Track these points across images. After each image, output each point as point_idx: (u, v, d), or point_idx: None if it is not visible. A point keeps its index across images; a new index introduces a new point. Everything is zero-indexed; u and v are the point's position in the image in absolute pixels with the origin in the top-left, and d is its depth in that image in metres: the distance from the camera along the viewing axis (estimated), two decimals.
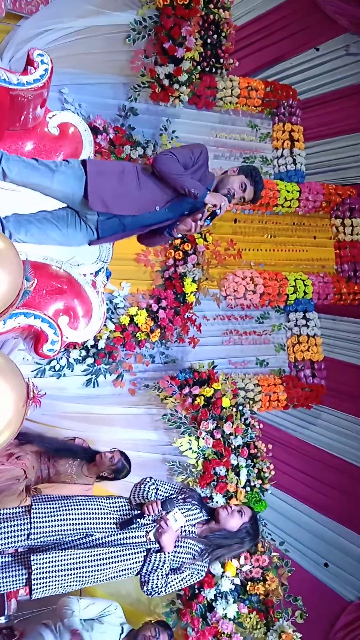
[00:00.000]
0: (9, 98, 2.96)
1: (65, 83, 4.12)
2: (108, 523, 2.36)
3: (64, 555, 2.24)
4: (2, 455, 3.14)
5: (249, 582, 3.67)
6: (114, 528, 2.36)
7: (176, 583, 2.37)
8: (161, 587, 2.32)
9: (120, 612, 3.18)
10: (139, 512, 2.38)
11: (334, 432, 5.14)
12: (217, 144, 5.02)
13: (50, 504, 2.37)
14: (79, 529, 2.31)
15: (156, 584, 2.31)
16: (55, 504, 2.38)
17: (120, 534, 2.34)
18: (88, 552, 2.27)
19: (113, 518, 2.38)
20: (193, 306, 4.49)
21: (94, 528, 2.33)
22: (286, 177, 5.27)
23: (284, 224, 5.34)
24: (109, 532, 2.35)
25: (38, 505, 2.36)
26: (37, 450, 3.32)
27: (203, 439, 3.89)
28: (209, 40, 4.66)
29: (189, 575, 2.39)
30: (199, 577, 2.44)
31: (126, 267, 4.33)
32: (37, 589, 2.21)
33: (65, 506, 2.37)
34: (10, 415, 1.60)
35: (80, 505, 2.38)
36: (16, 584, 2.30)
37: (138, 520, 2.35)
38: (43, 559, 2.22)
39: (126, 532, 2.34)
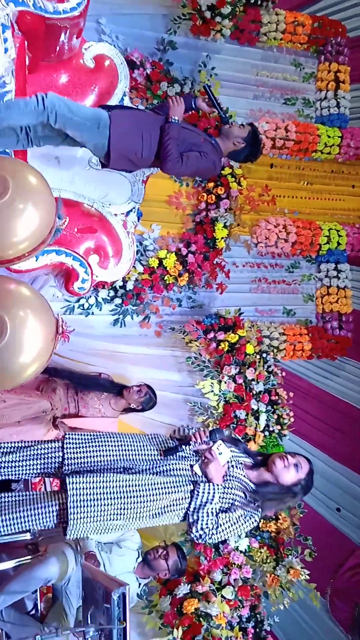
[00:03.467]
0: (44, 27, 2.90)
1: (103, 13, 3.97)
2: (149, 454, 2.21)
3: (104, 479, 2.06)
4: (31, 388, 3.28)
5: (262, 520, 3.83)
6: (156, 457, 2.19)
7: (228, 525, 2.14)
8: (212, 528, 2.11)
9: (137, 537, 3.37)
10: (184, 442, 2.24)
11: (357, 384, 5.16)
12: (258, 82, 4.82)
13: (84, 435, 2.29)
14: (118, 456, 2.17)
15: (206, 522, 2.09)
16: (90, 435, 2.29)
17: (163, 464, 2.16)
18: (130, 479, 2.09)
19: (155, 449, 2.24)
20: (223, 252, 4.46)
21: (133, 458, 2.18)
22: (328, 121, 5.04)
23: (322, 171, 5.17)
24: (151, 463, 2.18)
25: (72, 435, 2.27)
26: (65, 384, 3.46)
27: (225, 382, 3.97)
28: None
29: (242, 516, 2.15)
30: (252, 523, 2.20)
31: (157, 209, 4.31)
32: (73, 518, 2.03)
33: (100, 437, 2.26)
34: (40, 348, 1.67)
35: (118, 437, 2.28)
36: (48, 519, 2.15)
37: (183, 447, 2.19)
38: (80, 482, 2.04)
39: (170, 463, 2.17)
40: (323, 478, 4.81)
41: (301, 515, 4.10)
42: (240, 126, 3.00)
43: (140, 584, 3.24)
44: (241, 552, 3.70)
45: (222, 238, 4.38)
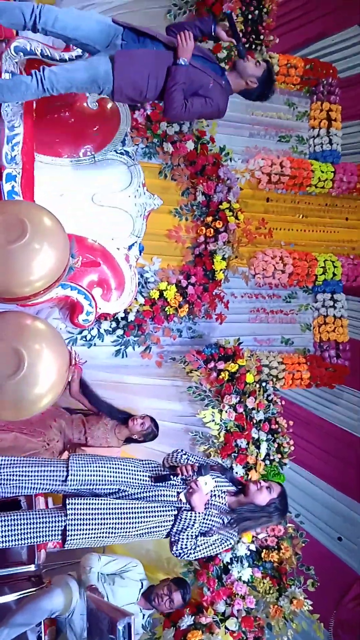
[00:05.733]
0: None
1: None
2: (142, 479, 2.48)
3: (99, 503, 2.34)
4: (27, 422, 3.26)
5: (264, 550, 3.84)
6: (147, 483, 2.46)
7: (205, 547, 2.45)
8: (190, 549, 2.40)
9: (140, 568, 3.37)
10: (172, 472, 2.48)
11: (355, 412, 5.22)
12: (253, 122, 5.01)
13: (87, 457, 2.53)
14: (114, 481, 2.42)
15: (185, 544, 2.39)
16: (92, 458, 2.53)
17: (152, 490, 2.44)
18: (121, 503, 2.37)
19: (147, 475, 2.50)
20: (222, 283, 4.56)
21: (127, 483, 2.44)
22: (321, 157, 5.23)
23: (316, 204, 5.34)
24: (142, 487, 2.45)
25: (75, 457, 2.51)
26: (68, 416, 3.51)
27: (226, 412, 4.02)
28: (250, 16, 4.63)
29: (218, 540, 2.46)
30: (227, 545, 2.52)
31: (158, 242, 4.43)
32: (71, 536, 2.31)
33: (101, 460, 2.51)
34: (55, 379, 1.75)
35: (115, 462, 2.51)
36: (53, 533, 2.37)
37: (172, 477, 2.44)
38: (78, 503, 2.33)
39: (159, 490, 2.44)
40: (324, 507, 4.83)
41: (303, 545, 4.09)
42: (256, 63, 2.87)
43: (144, 615, 3.23)
44: (244, 582, 3.70)
45: (221, 270, 4.49)
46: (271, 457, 4.18)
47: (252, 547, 3.79)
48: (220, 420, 4.02)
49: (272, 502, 2.55)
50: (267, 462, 4.15)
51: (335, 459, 5.02)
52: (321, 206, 5.37)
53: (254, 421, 4.11)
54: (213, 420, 4.01)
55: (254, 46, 4.76)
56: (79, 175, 3.48)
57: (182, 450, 2.64)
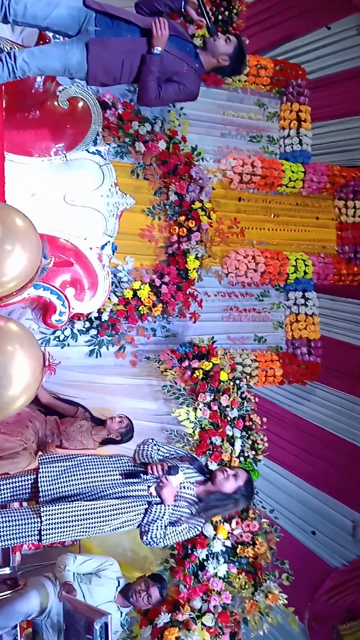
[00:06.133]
0: None
1: None
2: (113, 476, 2.53)
3: (72, 507, 2.41)
4: (4, 423, 3.26)
5: (239, 546, 3.88)
6: (118, 479, 2.51)
7: (174, 535, 2.53)
8: (160, 538, 2.49)
9: (116, 566, 3.37)
10: (143, 469, 2.53)
11: (327, 408, 5.32)
12: (225, 122, 5.06)
13: (56, 465, 2.53)
14: (84, 486, 2.48)
15: (155, 534, 2.48)
16: (61, 464, 2.53)
17: (123, 486, 2.49)
18: (93, 504, 2.43)
19: (117, 471, 2.55)
20: (195, 282, 4.60)
21: (98, 485, 2.49)
22: (292, 157, 5.31)
23: (288, 204, 5.41)
24: (113, 484, 2.50)
25: (45, 467, 2.52)
26: (42, 418, 3.49)
27: (200, 410, 4.06)
28: (220, 17, 4.67)
29: (185, 529, 2.55)
30: (195, 532, 2.61)
31: (131, 242, 4.44)
32: (46, 537, 2.39)
33: (71, 467, 2.52)
34: (28, 381, 1.74)
35: (85, 464, 2.54)
36: (30, 534, 2.43)
37: (142, 475, 2.51)
38: (52, 510, 2.39)
39: (130, 485, 2.50)
40: (298, 502, 4.91)
41: (278, 540, 4.15)
42: (226, 40, 2.82)
43: (122, 612, 3.23)
44: (220, 578, 3.73)
45: (194, 269, 4.52)
46: (245, 454, 4.24)
47: (228, 543, 3.83)
48: (195, 418, 4.06)
49: (239, 489, 2.62)
50: (242, 458, 4.20)
51: (309, 455, 5.10)
52: (292, 206, 5.44)
53: (228, 418, 4.15)
54: (188, 419, 4.04)
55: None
56: (50, 175, 3.44)
57: (152, 441, 2.68)
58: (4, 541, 2.42)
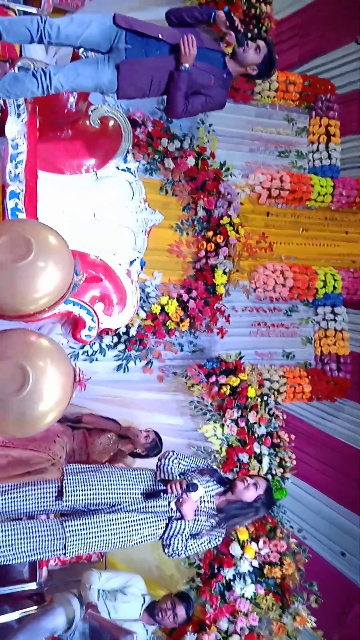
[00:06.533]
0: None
1: None
2: (134, 493, 2.56)
3: (94, 522, 2.47)
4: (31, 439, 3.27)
5: (267, 566, 3.81)
6: (139, 498, 2.55)
7: (195, 547, 2.59)
8: (181, 550, 2.55)
9: (142, 584, 3.35)
10: (163, 487, 2.56)
11: (357, 425, 5.20)
12: (254, 137, 5.07)
13: (81, 475, 2.57)
14: (107, 498, 2.52)
15: (177, 547, 2.53)
16: (86, 475, 2.58)
17: (145, 502, 2.53)
18: (115, 518, 2.49)
19: (139, 488, 2.58)
20: (223, 297, 4.58)
21: (120, 498, 2.53)
22: (320, 171, 5.28)
23: (316, 218, 5.37)
24: (134, 501, 2.55)
25: (69, 476, 2.56)
26: (70, 432, 3.50)
27: (228, 426, 4.02)
28: (249, 35, 4.69)
29: (206, 540, 2.60)
30: (216, 542, 2.66)
31: (159, 257, 4.46)
32: (70, 551, 2.46)
33: (94, 477, 2.57)
34: (59, 396, 1.76)
35: (108, 477, 2.58)
36: (55, 548, 2.47)
37: (162, 495, 2.54)
38: (75, 525, 2.45)
39: (150, 502, 2.53)
40: (327, 521, 4.79)
41: (306, 560, 4.06)
42: (256, 49, 2.85)
43: (147, 630, 3.20)
44: (247, 599, 3.67)
45: (222, 284, 4.51)
46: (273, 472, 4.18)
47: (255, 563, 3.76)
48: (222, 435, 4.02)
49: (259, 497, 2.65)
50: (269, 476, 4.14)
51: (338, 473, 4.99)
52: (321, 220, 5.40)
53: (256, 435, 4.10)
54: (215, 435, 4.01)
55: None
56: (81, 192, 3.51)
57: (172, 454, 2.69)
58: (32, 554, 2.45)
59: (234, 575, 3.69)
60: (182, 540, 2.53)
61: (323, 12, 5.25)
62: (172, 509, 2.53)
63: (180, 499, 2.50)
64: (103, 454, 3.42)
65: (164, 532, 2.55)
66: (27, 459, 3.06)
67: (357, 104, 5.56)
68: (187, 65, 2.74)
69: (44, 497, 2.55)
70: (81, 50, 3.00)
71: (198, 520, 2.57)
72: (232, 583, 3.68)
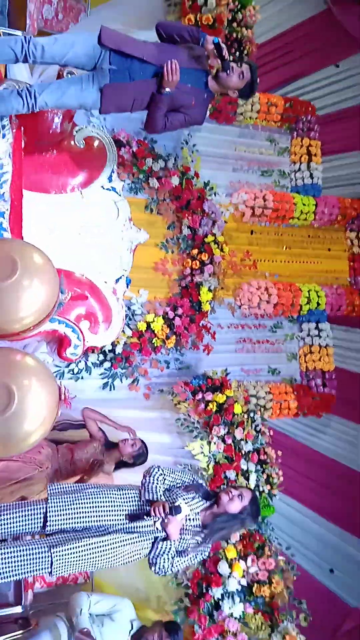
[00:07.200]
0: (39, 113, 3.14)
1: None
2: (119, 514, 2.56)
3: (80, 546, 2.46)
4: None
5: (255, 584, 3.78)
6: (124, 519, 2.55)
7: (181, 564, 2.61)
8: (168, 568, 2.57)
9: (131, 609, 3.29)
10: (148, 509, 2.55)
11: (343, 441, 5.23)
12: (237, 157, 5.15)
13: (65, 497, 2.56)
14: (93, 521, 2.52)
15: (163, 565, 2.55)
16: (70, 497, 2.56)
17: (130, 523, 2.54)
18: (101, 540, 2.48)
19: (124, 509, 2.58)
20: (208, 314, 4.62)
21: (106, 521, 2.53)
22: (303, 190, 5.38)
23: (300, 236, 5.46)
24: (120, 522, 2.55)
25: (54, 498, 2.55)
26: (54, 447, 3.48)
27: (214, 443, 4.01)
28: (231, 58, 4.80)
29: (192, 556, 2.61)
30: (202, 557, 2.68)
31: (145, 275, 4.48)
32: (57, 570, 2.46)
33: (79, 499, 2.56)
34: (45, 415, 1.75)
35: (93, 497, 2.57)
36: (42, 566, 2.46)
37: (145, 518, 2.53)
38: (61, 551, 2.43)
39: (136, 522, 2.54)
40: (315, 538, 4.79)
41: (294, 578, 4.04)
42: (239, 76, 2.91)
43: None
44: (236, 618, 3.63)
45: (207, 301, 4.55)
46: (260, 489, 4.17)
47: (243, 581, 3.73)
48: (209, 452, 4.01)
49: (244, 509, 2.66)
50: (257, 493, 4.13)
51: (325, 489, 5.00)
52: (304, 238, 5.49)
53: (243, 452, 4.10)
54: (202, 452, 4.00)
55: None
56: (66, 211, 3.53)
57: (157, 470, 2.67)
58: (17, 574, 2.44)
59: (222, 595, 3.65)
60: (168, 559, 2.54)
61: (303, 36, 5.40)
62: (157, 528, 2.52)
63: (165, 520, 2.49)
64: (88, 463, 3.41)
65: (150, 551, 2.56)
66: (13, 470, 3.03)
67: (337, 124, 5.70)
68: (168, 90, 2.81)
69: (30, 521, 2.54)
70: (66, 70, 3.06)
71: (183, 539, 2.58)
72: (220, 602, 3.65)
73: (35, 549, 2.45)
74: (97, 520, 2.53)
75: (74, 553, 2.45)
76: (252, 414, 4.35)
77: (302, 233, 5.46)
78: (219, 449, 4.01)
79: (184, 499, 2.58)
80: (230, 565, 3.70)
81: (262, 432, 4.37)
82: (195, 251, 4.60)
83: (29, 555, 2.44)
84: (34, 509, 2.56)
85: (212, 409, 4.11)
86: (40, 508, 2.55)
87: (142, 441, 3.61)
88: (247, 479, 4.05)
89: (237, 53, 4.87)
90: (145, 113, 2.99)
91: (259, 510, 2.82)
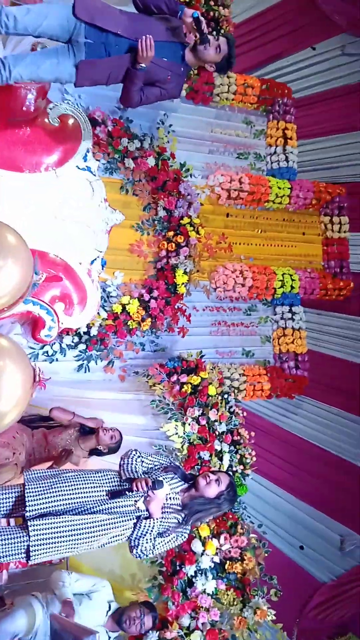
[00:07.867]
0: (11, 89, 3.06)
1: None
2: (99, 494, 2.53)
3: (60, 521, 2.41)
4: None
5: (228, 561, 3.87)
6: (104, 498, 2.52)
7: (162, 545, 2.58)
8: (149, 550, 2.52)
9: (109, 589, 3.32)
10: (128, 486, 2.53)
11: (314, 422, 5.35)
12: (213, 139, 5.13)
13: (42, 482, 2.52)
14: (72, 503, 2.47)
15: (145, 547, 2.50)
16: (48, 482, 2.52)
17: (110, 502, 2.50)
18: (82, 519, 2.44)
19: (104, 489, 2.55)
20: (183, 297, 4.62)
21: (86, 501, 2.49)
22: (278, 173, 5.40)
23: (274, 219, 5.48)
24: (100, 502, 2.51)
25: (31, 483, 2.51)
26: (29, 432, 3.46)
27: (189, 424, 4.05)
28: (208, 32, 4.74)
29: (173, 538, 2.59)
30: (182, 539, 2.66)
31: (120, 257, 4.46)
32: (35, 553, 2.37)
33: (57, 483, 2.51)
34: (19, 396, 1.74)
35: (71, 480, 2.53)
36: (17, 552, 2.42)
37: (127, 493, 2.50)
38: (40, 524, 2.38)
39: (116, 502, 2.50)
40: (286, 516, 4.91)
41: (266, 555, 4.14)
42: (216, 49, 2.88)
43: (109, 637, 3.19)
44: (208, 594, 3.71)
45: (183, 284, 4.55)
46: (234, 469, 4.24)
47: (216, 559, 3.81)
48: (184, 433, 4.05)
49: (221, 494, 2.67)
50: (230, 473, 4.19)
51: (297, 469, 5.11)
52: (279, 221, 5.52)
53: (217, 433, 4.15)
54: (176, 434, 4.03)
55: None
56: (40, 191, 3.46)
57: (135, 453, 2.67)
58: None
59: (195, 572, 3.73)
60: (150, 539, 2.50)
61: (281, 17, 5.37)
62: (138, 508, 2.51)
63: (147, 497, 2.48)
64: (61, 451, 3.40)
65: (132, 532, 2.52)
66: None
67: (313, 108, 5.71)
68: (143, 65, 2.77)
69: (3, 504, 2.52)
70: (39, 45, 2.97)
71: (165, 518, 2.56)
72: (193, 579, 3.72)
73: (10, 534, 2.42)
74: (77, 500, 2.48)
75: (52, 528, 2.39)
76: (226, 396, 4.40)
77: (277, 216, 5.49)
78: (193, 430, 4.05)
79: (164, 478, 2.58)
80: (204, 543, 3.77)
81: (235, 414, 4.43)
82: (171, 233, 4.58)
83: (4, 540, 2.40)
84: (8, 492, 2.54)
85: (187, 390, 4.15)
86: (14, 491, 2.53)
87: (120, 433, 3.57)
88: (221, 459, 4.12)
89: (215, 32, 4.81)
90: (121, 87, 2.95)
91: (236, 495, 2.82)
